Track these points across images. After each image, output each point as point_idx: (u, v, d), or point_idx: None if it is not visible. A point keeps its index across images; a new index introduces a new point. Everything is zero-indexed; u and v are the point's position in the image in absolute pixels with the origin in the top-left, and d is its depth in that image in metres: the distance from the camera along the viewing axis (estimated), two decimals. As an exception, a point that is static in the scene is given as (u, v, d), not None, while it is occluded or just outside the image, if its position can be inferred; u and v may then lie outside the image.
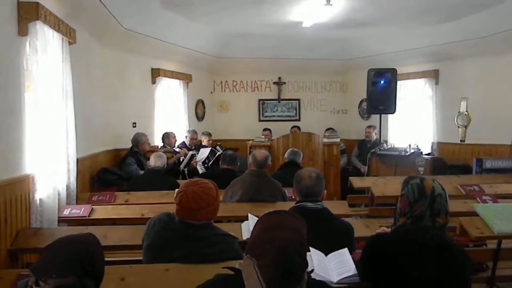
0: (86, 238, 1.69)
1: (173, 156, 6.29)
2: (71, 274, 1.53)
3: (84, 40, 4.70)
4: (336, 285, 2.11)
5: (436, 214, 1.95)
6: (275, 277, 1.41)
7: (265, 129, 8.37)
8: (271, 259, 1.43)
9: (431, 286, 1.87)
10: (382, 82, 6.78)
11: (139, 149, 5.80)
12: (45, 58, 3.48)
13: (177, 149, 6.63)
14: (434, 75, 7.44)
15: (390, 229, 2.20)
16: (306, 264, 1.52)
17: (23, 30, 3.18)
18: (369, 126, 7.75)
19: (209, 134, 7.65)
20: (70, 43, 4.05)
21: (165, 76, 7.14)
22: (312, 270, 1.92)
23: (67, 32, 3.92)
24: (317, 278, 1.87)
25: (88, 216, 3.68)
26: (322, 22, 6.56)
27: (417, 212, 1.96)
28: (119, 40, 5.81)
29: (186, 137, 7.15)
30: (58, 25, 3.68)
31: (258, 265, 1.44)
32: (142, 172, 5.36)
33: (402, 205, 2.02)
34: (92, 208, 3.78)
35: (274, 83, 9.25)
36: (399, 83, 6.99)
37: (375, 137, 7.52)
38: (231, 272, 1.56)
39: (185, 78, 7.73)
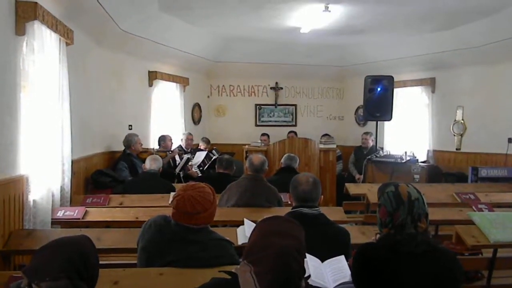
0: (80, 240, 1.67)
1: (167, 155, 6.23)
2: (64, 277, 1.50)
3: (81, 41, 4.68)
4: (332, 292, 2.09)
5: (417, 219, 1.93)
6: (273, 284, 1.39)
7: (263, 134, 8.36)
8: (268, 266, 1.42)
9: None
10: (378, 89, 6.79)
11: (131, 150, 5.74)
12: (42, 58, 3.46)
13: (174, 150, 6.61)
14: (430, 83, 7.45)
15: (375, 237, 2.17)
16: (303, 271, 1.51)
17: (20, 30, 3.16)
18: (366, 133, 7.77)
19: (208, 141, 7.64)
20: (67, 44, 4.03)
21: (162, 79, 7.12)
22: (309, 276, 1.90)
23: (65, 33, 3.90)
24: (313, 285, 1.85)
25: (82, 218, 3.65)
26: (320, 28, 6.57)
27: (399, 221, 1.93)
28: (117, 42, 5.80)
29: (181, 140, 7.14)
30: (55, 25, 3.66)
31: (255, 272, 1.42)
32: (132, 178, 5.30)
33: (382, 215, 1.99)
34: (86, 210, 3.75)
35: (271, 88, 9.25)
36: (395, 90, 7.00)
37: (371, 144, 7.52)
38: (227, 276, 1.54)
39: (182, 81, 7.71)
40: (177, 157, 6.41)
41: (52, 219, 3.59)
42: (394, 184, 2.03)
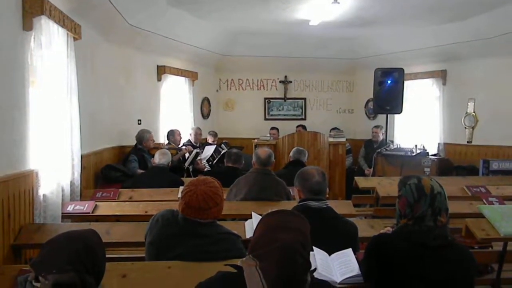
0: (87, 234, 1.67)
1: (177, 153, 6.28)
2: (71, 270, 1.51)
3: (89, 36, 4.69)
4: (339, 285, 2.09)
5: (437, 213, 1.92)
6: (278, 279, 1.40)
7: (272, 128, 8.34)
8: (274, 261, 1.42)
9: (434, 286, 1.84)
10: (389, 81, 6.72)
11: (143, 146, 5.79)
12: (50, 53, 3.47)
13: (183, 147, 6.62)
14: (441, 75, 7.37)
15: (392, 229, 2.15)
16: (309, 266, 1.51)
17: (28, 25, 3.17)
18: (376, 126, 7.71)
19: (215, 135, 7.65)
20: (75, 39, 4.05)
21: (171, 73, 7.13)
22: (315, 269, 1.89)
23: (72, 28, 3.92)
24: (320, 278, 1.85)
25: (92, 213, 3.68)
26: (330, 20, 6.53)
27: (419, 213, 1.93)
28: (125, 36, 5.81)
29: (190, 134, 7.15)
30: (63, 20, 3.67)
31: (260, 267, 1.43)
32: (140, 170, 5.33)
33: (402, 206, 1.99)
34: (96, 204, 3.78)
35: (280, 81, 9.22)
36: (406, 83, 6.92)
37: (381, 137, 7.48)
38: (234, 270, 1.54)
39: (191, 75, 7.71)
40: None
41: (62, 213, 3.62)
42: (417, 176, 2.03)
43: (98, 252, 1.64)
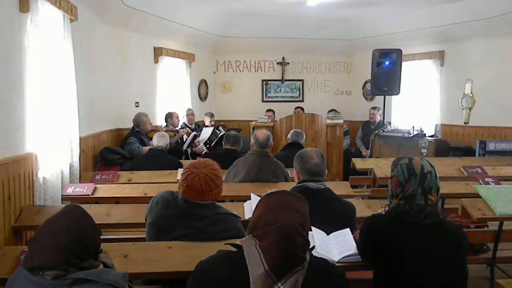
0: (70, 221, 1.59)
1: (175, 135, 6.28)
2: (66, 266, 1.50)
3: (85, 17, 4.64)
4: (337, 264, 2.12)
5: (427, 191, 1.95)
6: (277, 258, 1.43)
7: (268, 110, 8.32)
8: (273, 240, 1.45)
9: (427, 264, 1.88)
10: (387, 63, 6.69)
11: (140, 129, 5.79)
12: (47, 35, 3.45)
13: (180, 129, 6.62)
14: (439, 56, 7.35)
15: (384, 210, 2.18)
16: (308, 244, 1.53)
17: (24, 6, 3.15)
18: (373, 108, 7.72)
19: (212, 115, 7.64)
20: (71, 20, 4.01)
21: (168, 55, 7.07)
22: (313, 247, 1.93)
23: (69, 9, 3.88)
24: (319, 257, 1.88)
25: (91, 195, 3.70)
26: (327, 1, 6.46)
27: (409, 192, 1.95)
28: (121, 17, 5.75)
29: (183, 117, 7.14)
30: (59, 1, 3.64)
31: (260, 246, 1.46)
32: (147, 147, 5.35)
33: (393, 186, 2.02)
34: (96, 186, 3.80)
35: (277, 63, 9.18)
36: (404, 64, 6.89)
37: (379, 119, 7.49)
38: (234, 249, 1.57)
39: (188, 57, 7.65)
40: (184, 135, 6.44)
41: (62, 195, 3.64)
42: (408, 157, 2.06)
43: (86, 234, 1.59)
